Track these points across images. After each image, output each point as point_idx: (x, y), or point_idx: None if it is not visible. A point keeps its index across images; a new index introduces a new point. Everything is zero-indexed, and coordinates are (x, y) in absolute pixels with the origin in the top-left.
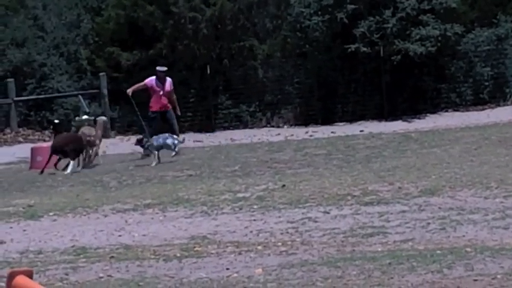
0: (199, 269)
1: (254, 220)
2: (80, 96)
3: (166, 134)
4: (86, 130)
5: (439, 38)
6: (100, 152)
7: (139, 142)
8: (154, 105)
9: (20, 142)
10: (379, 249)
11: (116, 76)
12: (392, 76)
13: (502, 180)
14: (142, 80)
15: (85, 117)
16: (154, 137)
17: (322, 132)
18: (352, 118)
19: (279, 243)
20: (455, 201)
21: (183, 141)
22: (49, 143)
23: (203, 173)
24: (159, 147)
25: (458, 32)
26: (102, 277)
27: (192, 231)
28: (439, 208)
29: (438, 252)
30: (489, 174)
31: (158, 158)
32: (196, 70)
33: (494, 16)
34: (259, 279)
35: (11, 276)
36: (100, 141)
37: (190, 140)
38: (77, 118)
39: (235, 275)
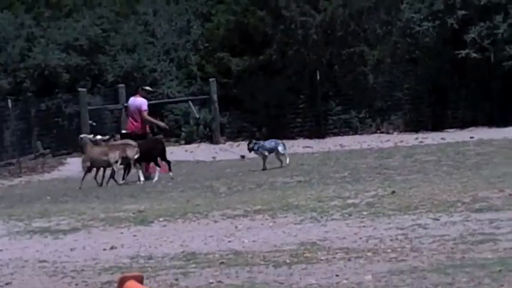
0: (309, 275)
1: (364, 226)
2: (190, 102)
3: (278, 140)
4: (132, 142)
5: None
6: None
7: (248, 145)
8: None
9: None
10: (489, 256)
11: (226, 82)
12: (503, 82)
13: None
14: (252, 85)
15: (99, 137)
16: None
17: (432, 138)
18: (462, 124)
19: (389, 250)
20: None
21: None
22: None
23: (313, 179)
24: (271, 150)
25: None
26: (212, 283)
27: (302, 238)
28: None
29: None
30: None
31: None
32: (306, 76)
33: None
34: (368, 286)
35: (122, 281)
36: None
37: (300, 146)
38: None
39: (345, 281)
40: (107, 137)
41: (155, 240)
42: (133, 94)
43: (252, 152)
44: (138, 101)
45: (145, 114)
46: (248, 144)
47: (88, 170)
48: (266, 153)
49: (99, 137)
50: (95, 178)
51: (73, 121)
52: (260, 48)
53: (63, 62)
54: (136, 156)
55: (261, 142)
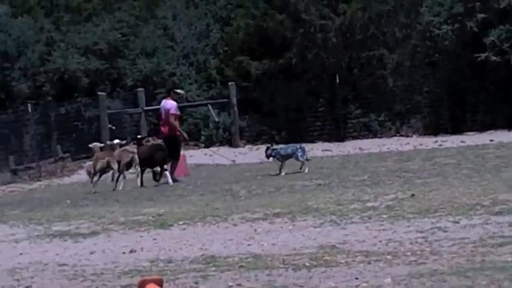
0: (329, 278)
1: (383, 229)
2: (209, 106)
3: (297, 145)
4: (129, 148)
5: None
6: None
7: (265, 151)
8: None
9: None
10: (509, 259)
11: (245, 85)
12: None
13: None
14: (272, 89)
15: (117, 141)
16: (282, 146)
17: (451, 141)
18: (482, 127)
19: (408, 253)
20: None
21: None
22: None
23: (332, 182)
24: (287, 157)
25: None
26: (231, 286)
27: (321, 241)
28: None
29: None
30: None
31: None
32: (326, 79)
33: None
34: None
35: (142, 285)
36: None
37: (319, 149)
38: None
39: (365, 284)
40: (125, 141)
41: (175, 243)
42: (165, 97)
43: (270, 158)
44: (169, 104)
45: (172, 118)
46: (266, 151)
47: (92, 175)
48: (282, 161)
49: (116, 141)
50: (93, 183)
51: (92, 125)
52: (279, 52)
53: (82, 66)
54: (127, 161)
55: (278, 148)
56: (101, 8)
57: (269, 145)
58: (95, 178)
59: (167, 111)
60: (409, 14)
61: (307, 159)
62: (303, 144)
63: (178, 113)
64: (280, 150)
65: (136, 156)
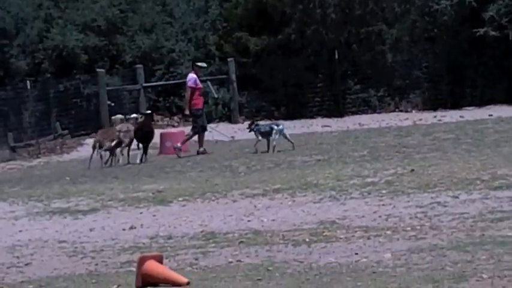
0: (328, 253)
1: (383, 205)
2: (208, 82)
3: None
4: (118, 127)
5: None
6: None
7: (248, 126)
8: (199, 102)
9: None
10: (509, 234)
11: (245, 61)
12: None
13: None
14: (271, 65)
15: (134, 115)
16: (261, 123)
17: (450, 116)
18: (480, 102)
19: (408, 228)
20: None
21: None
22: (178, 129)
23: (331, 158)
24: (266, 134)
25: None
26: (231, 262)
27: (321, 216)
28: None
29: None
30: None
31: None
32: (325, 55)
33: None
34: (388, 264)
35: (142, 261)
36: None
37: (319, 125)
38: (127, 116)
39: (364, 259)
40: (141, 116)
41: (174, 220)
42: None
43: (251, 132)
44: (188, 77)
45: (188, 91)
46: (250, 125)
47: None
48: (260, 137)
49: (134, 115)
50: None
51: (91, 102)
52: (278, 28)
53: (81, 43)
54: (114, 140)
55: (261, 124)
56: None
57: (253, 120)
58: (108, 155)
59: (187, 84)
60: None
61: (285, 134)
62: (282, 126)
63: (199, 86)
64: (260, 127)
65: (122, 135)
